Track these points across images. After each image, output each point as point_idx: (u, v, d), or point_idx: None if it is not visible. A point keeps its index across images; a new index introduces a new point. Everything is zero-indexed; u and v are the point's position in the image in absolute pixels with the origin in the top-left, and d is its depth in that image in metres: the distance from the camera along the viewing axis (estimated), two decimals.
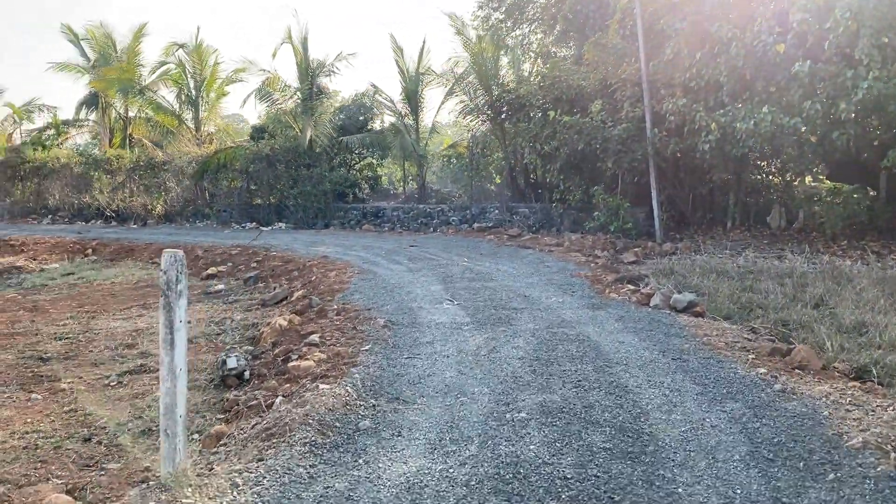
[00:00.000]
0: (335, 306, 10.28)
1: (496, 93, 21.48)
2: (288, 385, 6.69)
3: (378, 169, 28.12)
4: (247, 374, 7.76)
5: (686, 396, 5.87)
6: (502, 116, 21.82)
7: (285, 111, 24.66)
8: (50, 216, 27.49)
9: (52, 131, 32.00)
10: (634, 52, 17.77)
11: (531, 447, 4.87)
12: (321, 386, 6.19)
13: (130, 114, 30.35)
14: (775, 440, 4.94)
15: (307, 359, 7.32)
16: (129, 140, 30.05)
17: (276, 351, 8.07)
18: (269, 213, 23.84)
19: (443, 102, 24.14)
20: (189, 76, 28.13)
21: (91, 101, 32.34)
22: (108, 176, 26.71)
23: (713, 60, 15.55)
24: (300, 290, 12.58)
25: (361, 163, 27.24)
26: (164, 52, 29.14)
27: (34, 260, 18.35)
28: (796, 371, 6.53)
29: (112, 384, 7.99)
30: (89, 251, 19.06)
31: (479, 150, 22.99)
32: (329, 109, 25.14)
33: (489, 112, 21.98)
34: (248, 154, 23.82)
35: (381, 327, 8.59)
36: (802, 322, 8.53)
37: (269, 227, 23.01)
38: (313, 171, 23.16)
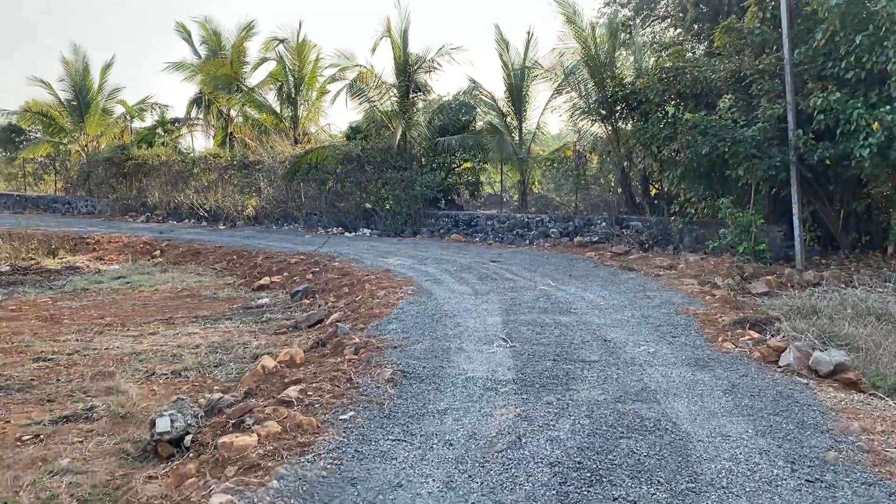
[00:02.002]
0: (358, 339, 8.05)
1: (610, 89, 18.64)
2: (199, 476, 4.48)
3: (481, 173, 25.82)
4: (188, 439, 5.61)
5: None
6: (616, 115, 18.97)
7: (381, 110, 22.80)
8: (147, 214, 27.04)
9: (159, 129, 31.82)
10: (776, 38, 14.58)
11: None
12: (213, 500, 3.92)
13: (231, 112, 29.57)
14: None
15: (252, 432, 5.09)
16: (231, 138, 29.28)
17: (236, 407, 5.89)
18: (357, 218, 22.03)
19: (550, 100, 21.49)
20: (289, 73, 26.90)
21: (200, 100, 31.99)
22: (203, 175, 25.87)
23: (878, 45, 12.23)
24: (339, 311, 10.46)
25: (462, 166, 25.05)
26: (263, 47, 28.15)
27: (100, 260, 17.36)
28: None
29: (26, 438, 6.07)
30: (157, 252, 17.90)
31: (588, 153, 20.19)
32: (426, 108, 23.08)
33: (601, 110, 19.15)
34: (338, 154, 22.13)
35: (385, 381, 6.25)
36: None
37: (353, 233, 21.23)
38: (404, 174, 21.15)
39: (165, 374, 8.08)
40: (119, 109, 33.55)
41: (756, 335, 8.02)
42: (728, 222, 14.55)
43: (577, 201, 19.84)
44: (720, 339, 7.91)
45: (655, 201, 18.76)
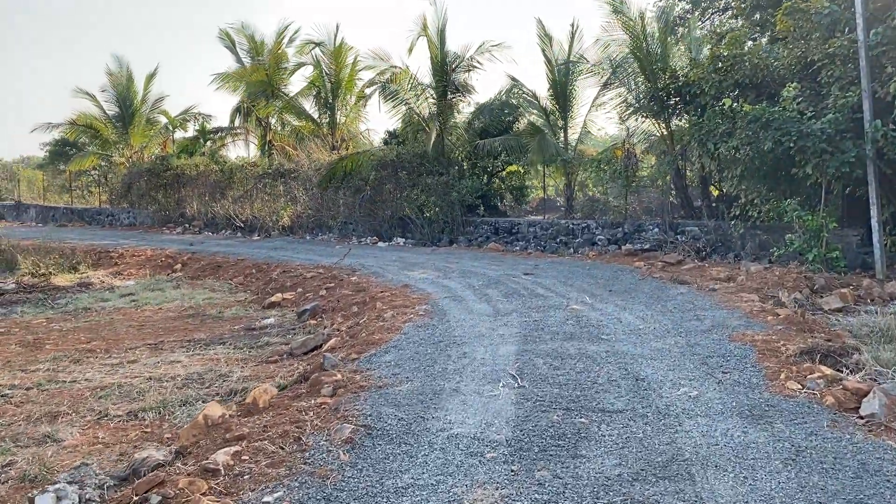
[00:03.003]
0: (340, 375, 6.77)
1: (662, 82, 16.96)
2: None
3: (527, 177, 24.34)
4: None
5: None
6: (669, 111, 17.30)
7: (417, 112, 21.58)
8: (185, 225, 26.48)
9: (200, 139, 31.30)
10: (848, 18, 12.78)
11: None
12: None
13: (270, 119, 28.79)
14: None
15: None
16: (270, 147, 28.52)
17: (144, 480, 4.64)
18: (393, 227, 20.83)
19: (597, 96, 19.90)
20: (326, 77, 25.94)
21: (242, 108, 31.39)
22: (239, 185, 25.12)
23: None
24: (338, 336, 9.22)
25: (506, 170, 23.63)
26: (298, 50, 27.25)
27: (119, 275, 16.59)
28: None
29: None
30: (178, 266, 17.05)
31: (639, 153, 18.54)
32: (465, 109, 21.80)
33: (652, 105, 17.49)
34: (373, 160, 20.98)
35: (343, 441, 4.94)
36: None
37: (387, 243, 20.04)
38: (440, 179, 19.86)
39: (120, 416, 6.96)
40: (163, 120, 33.29)
41: (828, 371, 6.40)
42: (795, 226, 12.81)
43: (626, 205, 18.19)
44: (782, 376, 6.33)
45: (714, 204, 17.00)
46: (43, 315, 12.29)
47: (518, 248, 18.27)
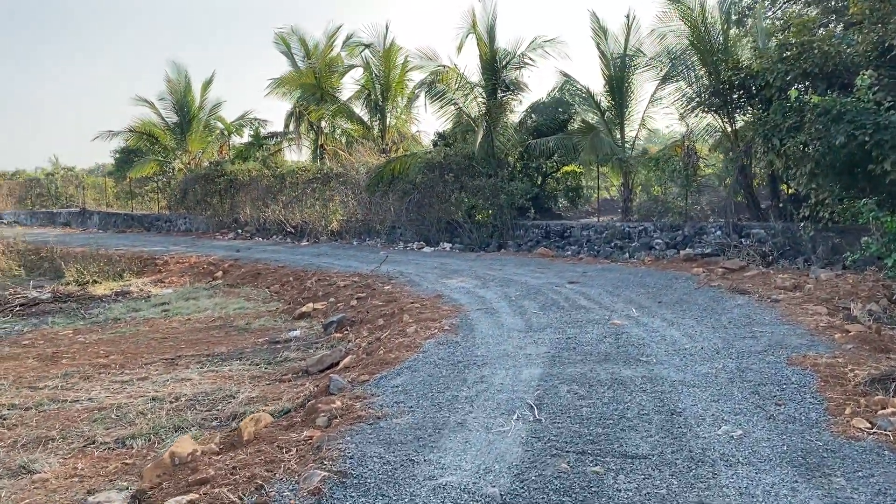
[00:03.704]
0: (340, 402, 6.11)
1: (724, 74, 15.78)
2: None
3: (583, 177, 23.34)
4: None
5: None
6: (732, 105, 16.11)
7: (466, 112, 20.83)
8: (237, 230, 26.41)
9: (255, 145, 31.27)
10: None
11: None
12: None
13: (322, 123, 28.50)
14: None
15: None
16: (321, 151, 28.24)
17: None
18: (440, 232, 20.13)
19: (655, 91, 18.75)
20: (375, 79, 25.46)
21: (295, 113, 31.26)
22: (290, 190, 24.86)
23: None
24: (355, 353, 8.57)
25: (561, 170, 22.70)
26: (348, 52, 26.81)
27: (160, 283, 16.39)
28: None
29: None
30: (219, 274, 16.75)
31: (700, 150, 17.37)
32: (516, 107, 20.97)
33: (714, 99, 16.30)
34: (420, 163, 20.34)
35: (309, 493, 4.24)
36: None
37: (433, 248, 19.37)
38: (488, 181, 19.07)
39: (107, 444, 6.47)
40: (221, 126, 33.48)
41: None
42: (872, 228, 11.52)
43: (686, 207, 17.03)
44: (848, 411, 5.35)
45: (781, 205, 15.73)
46: (72, 326, 12.06)
47: (569, 253, 17.33)
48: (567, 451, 4.76)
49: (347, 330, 10.36)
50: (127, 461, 6.01)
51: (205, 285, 15.75)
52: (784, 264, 13.76)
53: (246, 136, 33.05)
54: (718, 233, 15.69)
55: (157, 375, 8.72)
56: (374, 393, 6.38)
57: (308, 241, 22.83)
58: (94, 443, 6.49)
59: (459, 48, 21.73)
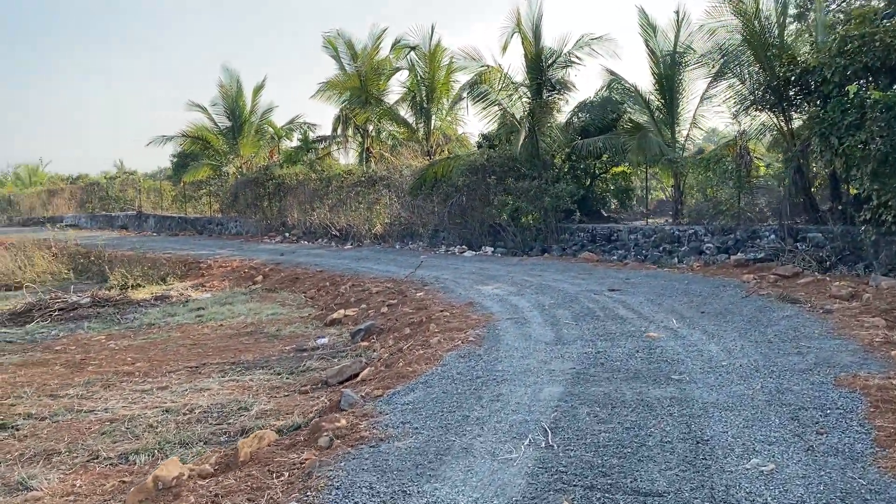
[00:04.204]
0: (346, 420, 5.80)
1: (780, 70, 14.97)
2: None
3: (634, 178, 22.61)
4: None
5: None
6: (787, 102, 15.30)
7: (511, 112, 20.39)
8: (285, 234, 26.50)
9: (303, 148, 31.40)
10: None
11: None
12: None
13: (369, 126, 28.40)
14: None
15: None
16: (367, 154, 28.15)
17: None
18: (483, 235, 19.72)
19: (707, 88, 17.98)
20: (420, 81, 25.21)
21: (342, 116, 31.29)
22: (335, 193, 24.81)
23: None
24: (374, 365, 8.27)
25: (611, 171, 22.05)
26: (394, 54, 26.61)
27: (201, 287, 16.43)
28: None
29: None
30: (259, 278, 16.70)
31: (754, 149, 16.59)
32: (562, 107, 20.45)
33: (768, 96, 15.49)
34: (462, 165, 19.99)
35: None
36: None
37: (475, 252, 18.98)
38: (531, 183, 18.58)
39: (111, 459, 6.29)
40: (271, 130, 33.77)
41: None
42: None
43: (739, 209, 16.23)
44: None
45: (842, 207, 14.84)
46: (106, 331, 12.10)
47: (615, 258, 16.72)
48: (574, 486, 4.34)
49: (374, 338, 10.08)
50: (125, 479, 5.80)
51: (244, 290, 15.72)
52: (843, 270, 12.95)
53: (295, 140, 33.26)
54: (772, 237, 14.91)
55: (177, 385, 8.58)
56: (383, 411, 6.04)
57: (352, 244, 22.70)
58: (97, 457, 6.33)
59: (504, 48, 21.29)
